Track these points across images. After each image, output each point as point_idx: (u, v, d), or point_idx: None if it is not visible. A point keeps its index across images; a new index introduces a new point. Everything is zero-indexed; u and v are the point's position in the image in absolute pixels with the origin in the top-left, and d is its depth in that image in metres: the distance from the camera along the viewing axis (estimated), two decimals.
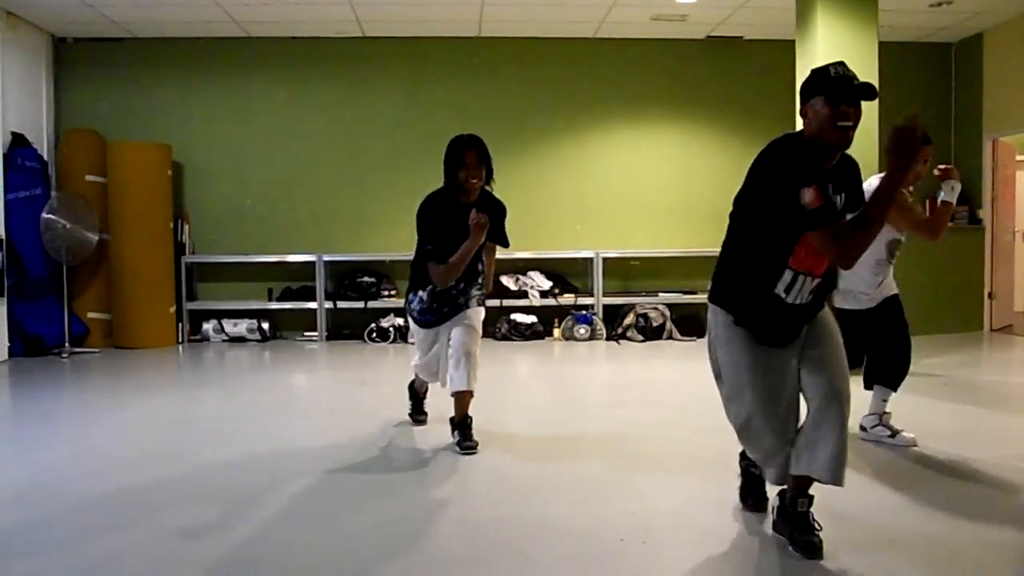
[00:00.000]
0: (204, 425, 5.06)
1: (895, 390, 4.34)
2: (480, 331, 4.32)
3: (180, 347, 8.54)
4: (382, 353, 8.07)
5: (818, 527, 2.86)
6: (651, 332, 8.62)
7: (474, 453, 4.16)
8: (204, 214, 9.06)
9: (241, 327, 8.74)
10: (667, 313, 8.74)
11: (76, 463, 4.18)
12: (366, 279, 8.91)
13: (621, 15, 8.34)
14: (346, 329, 8.94)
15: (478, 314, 4.33)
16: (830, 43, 6.37)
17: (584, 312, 8.80)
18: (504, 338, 8.69)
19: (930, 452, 4.22)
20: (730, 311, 2.88)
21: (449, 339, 4.26)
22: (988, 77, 9.01)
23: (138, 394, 6.23)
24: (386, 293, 8.92)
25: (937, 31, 9.03)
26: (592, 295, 8.98)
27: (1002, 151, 9.10)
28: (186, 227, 8.95)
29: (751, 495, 3.29)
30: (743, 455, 3.27)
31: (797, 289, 2.80)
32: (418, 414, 4.85)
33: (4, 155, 7.72)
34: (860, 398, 4.26)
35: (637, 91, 9.31)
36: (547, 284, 9.00)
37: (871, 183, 3.72)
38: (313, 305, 8.86)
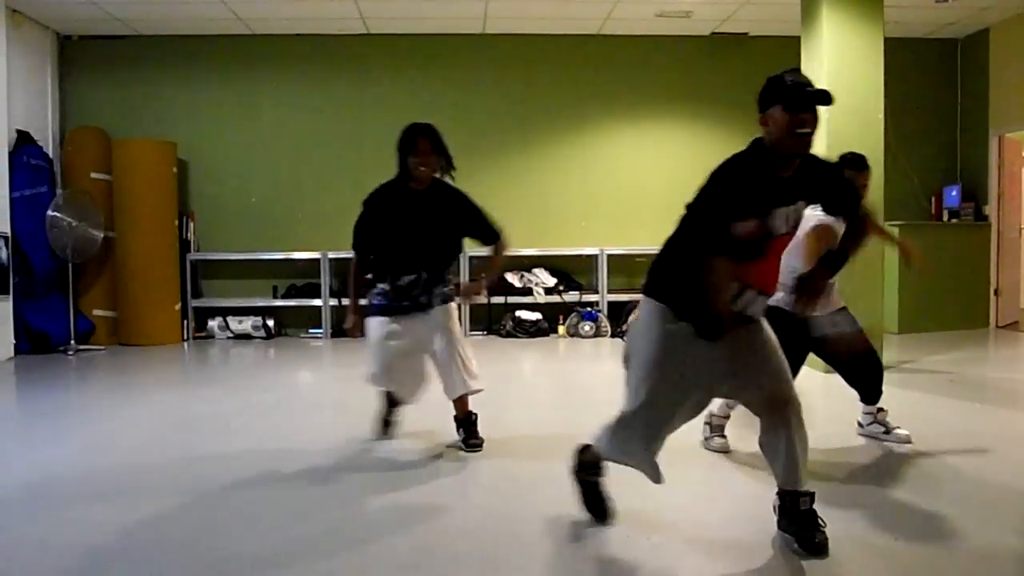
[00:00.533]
0: (209, 422, 5.07)
1: (875, 403, 4.29)
2: (456, 328, 4.20)
3: (185, 344, 8.56)
4: None
5: (822, 523, 2.85)
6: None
7: (480, 451, 4.17)
8: (209, 211, 9.07)
9: (246, 324, 8.76)
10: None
11: (82, 460, 4.19)
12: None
13: (626, 12, 8.33)
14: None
15: (447, 313, 4.18)
16: (835, 39, 6.35)
17: (589, 309, 8.80)
18: (509, 335, 8.69)
19: (936, 450, 4.21)
20: (671, 305, 2.82)
21: (434, 351, 4.16)
22: (994, 73, 8.98)
23: (144, 391, 6.25)
24: None
25: (943, 27, 9.00)
26: (597, 292, 8.98)
27: (1008, 148, 9.07)
28: (191, 224, 8.97)
29: (594, 508, 3.11)
30: (581, 467, 3.12)
31: (745, 302, 2.79)
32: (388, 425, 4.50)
33: (10, 153, 7.73)
34: (853, 394, 4.28)
35: (642, 88, 9.30)
36: (552, 281, 9.00)
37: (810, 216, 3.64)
38: (318, 302, 8.87)
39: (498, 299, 8.84)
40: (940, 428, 4.68)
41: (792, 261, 3.58)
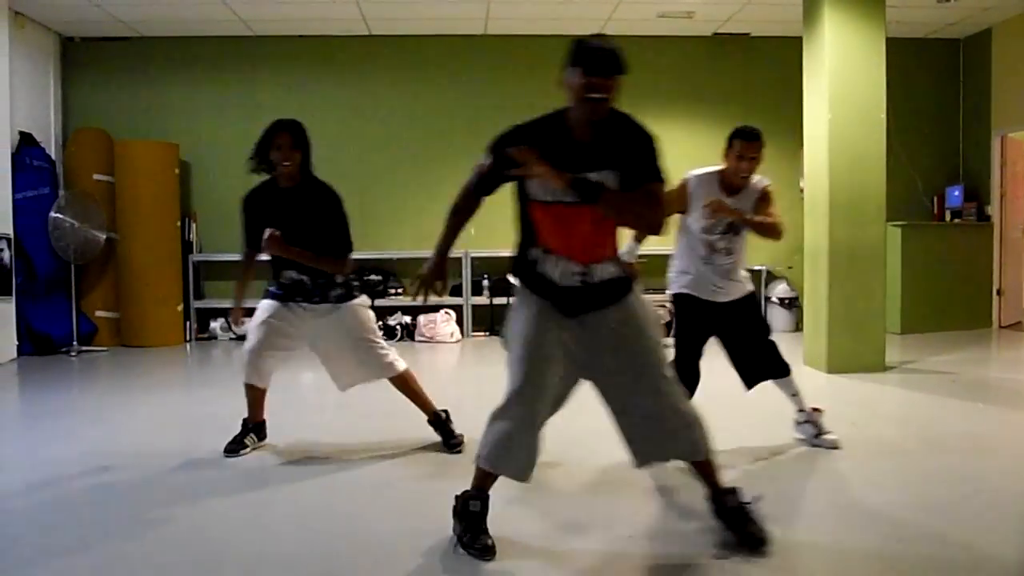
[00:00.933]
0: (211, 423, 5.06)
1: (787, 374, 4.10)
2: (357, 322, 4.14)
3: (188, 345, 8.57)
4: None
5: (757, 519, 2.86)
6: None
7: (461, 451, 4.15)
8: (211, 212, 9.08)
9: (248, 325, 8.75)
10: (672, 310, 8.71)
11: (85, 461, 4.19)
12: (373, 277, 8.93)
13: (628, 12, 8.33)
14: None
15: (348, 313, 4.11)
16: (837, 40, 6.34)
17: None
18: None
19: (938, 451, 4.21)
20: (522, 280, 2.89)
21: (325, 348, 4.23)
22: (996, 73, 8.97)
23: (146, 392, 6.25)
24: (393, 291, 8.94)
25: (945, 27, 9.00)
26: None
27: (1011, 147, 9.06)
28: (194, 225, 8.98)
29: (476, 539, 2.85)
30: (466, 498, 2.93)
31: (559, 271, 2.81)
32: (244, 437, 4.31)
33: (13, 155, 7.74)
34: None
35: (644, 88, 9.26)
36: None
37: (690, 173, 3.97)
38: None
39: (500, 299, 8.84)
40: (942, 429, 4.67)
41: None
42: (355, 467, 4.00)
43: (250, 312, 4.29)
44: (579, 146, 2.71)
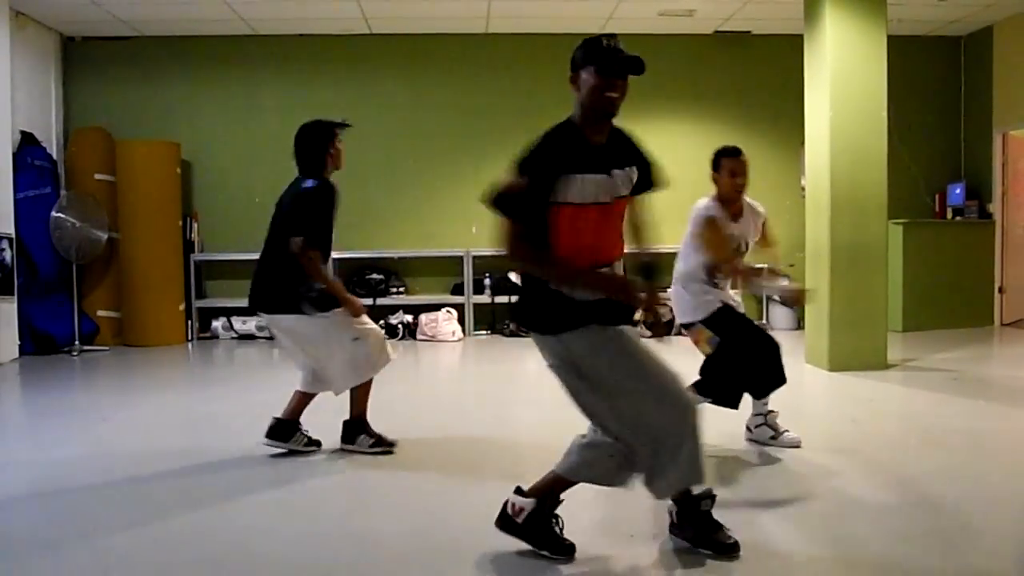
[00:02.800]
0: (213, 422, 5.08)
1: (766, 395, 4.07)
2: (306, 336, 4.07)
3: (189, 345, 8.57)
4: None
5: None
6: (660, 328, 8.59)
7: (393, 452, 4.09)
8: (213, 212, 9.09)
9: (250, 324, 8.76)
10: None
11: (87, 460, 4.20)
12: (374, 276, 8.93)
13: (629, 10, 8.33)
14: None
15: (309, 324, 4.01)
16: (838, 37, 6.34)
17: None
18: (513, 335, 8.69)
19: (939, 449, 4.21)
20: (552, 330, 2.75)
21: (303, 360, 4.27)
22: (998, 71, 8.96)
23: (148, 392, 6.26)
24: (395, 290, 8.94)
25: (946, 24, 8.99)
26: None
27: (1012, 145, 9.05)
28: (195, 225, 8.98)
29: (716, 535, 2.80)
30: (700, 498, 2.83)
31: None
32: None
33: (14, 154, 7.74)
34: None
35: (645, 87, 9.23)
36: None
37: (700, 206, 4.00)
38: None
39: (502, 298, 8.85)
40: (943, 426, 4.67)
41: (692, 256, 3.97)
42: (357, 467, 4.00)
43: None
44: (598, 150, 2.72)
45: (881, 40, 6.41)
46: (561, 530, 2.84)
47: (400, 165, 9.10)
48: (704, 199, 4.10)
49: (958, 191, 9.16)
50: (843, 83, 6.34)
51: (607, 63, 2.62)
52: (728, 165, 4.03)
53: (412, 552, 2.91)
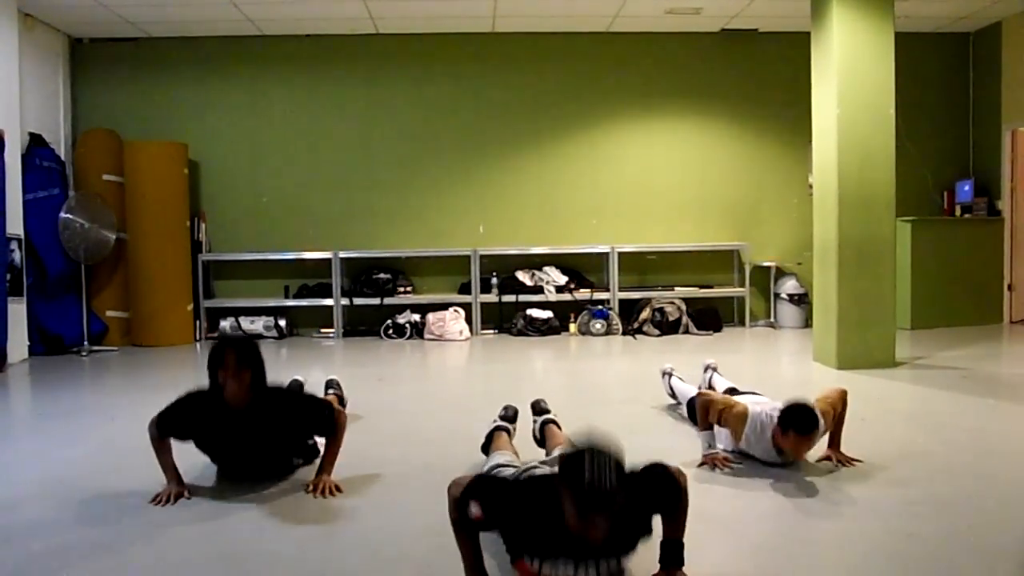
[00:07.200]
0: None
1: None
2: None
3: (198, 345, 8.60)
4: (398, 349, 8.10)
5: None
6: (667, 326, 8.61)
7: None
8: (220, 212, 9.11)
9: (258, 324, 8.79)
10: (683, 307, 8.72)
11: (96, 461, 4.21)
12: (382, 276, 8.95)
13: (635, 9, 8.32)
14: (362, 326, 8.98)
15: None
16: (846, 35, 6.32)
17: (600, 307, 8.79)
18: (520, 333, 8.69)
19: (949, 447, 4.19)
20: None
21: None
22: (1007, 67, 8.92)
23: (156, 392, 6.24)
24: (402, 289, 8.96)
25: (955, 21, 8.95)
26: (608, 290, 8.97)
27: (1021, 141, 9.00)
28: (203, 225, 9.01)
29: None
30: None
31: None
32: None
33: (22, 155, 7.78)
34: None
35: (652, 85, 9.28)
36: (563, 279, 9.00)
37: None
38: (329, 302, 8.89)
39: (509, 297, 8.85)
40: (953, 425, 4.66)
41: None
42: (358, 467, 4.01)
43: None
44: (584, 542, 2.37)
45: (889, 37, 6.39)
46: None
47: (407, 165, 9.11)
48: (760, 410, 3.82)
49: (967, 188, 9.13)
50: (850, 80, 6.33)
51: (584, 502, 2.23)
52: (793, 439, 3.56)
53: (413, 553, 2.91)
